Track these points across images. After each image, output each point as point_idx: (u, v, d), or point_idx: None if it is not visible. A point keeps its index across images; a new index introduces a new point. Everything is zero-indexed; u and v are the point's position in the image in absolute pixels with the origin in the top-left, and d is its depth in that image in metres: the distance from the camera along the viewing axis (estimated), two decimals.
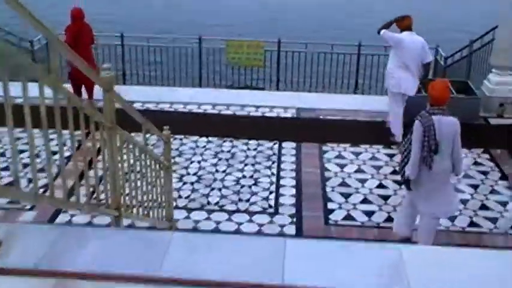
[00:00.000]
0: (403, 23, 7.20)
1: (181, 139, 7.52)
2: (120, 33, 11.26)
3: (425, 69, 7.39)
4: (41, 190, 2.72)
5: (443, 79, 4.93)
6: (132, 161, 4.09)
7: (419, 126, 4.57)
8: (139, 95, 8.94)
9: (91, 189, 3.54)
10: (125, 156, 3.88)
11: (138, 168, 4.24)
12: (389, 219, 5.86)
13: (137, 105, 8.46)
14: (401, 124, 7.29)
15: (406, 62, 7.15)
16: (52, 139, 2.77)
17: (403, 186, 5.41)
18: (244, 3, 21.65)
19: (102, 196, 3.65)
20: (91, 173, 3.58)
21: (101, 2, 21.28)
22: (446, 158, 4.64)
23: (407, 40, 7.11)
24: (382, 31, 7.16)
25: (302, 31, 16.92)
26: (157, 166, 4.88)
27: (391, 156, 7.13)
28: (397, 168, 6.76)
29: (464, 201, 6.20)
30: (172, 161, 6.70)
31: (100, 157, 4.21)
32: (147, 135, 5.15)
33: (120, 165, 3.69)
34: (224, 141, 7.49)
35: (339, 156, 7.15)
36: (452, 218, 5.86)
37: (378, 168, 6.89)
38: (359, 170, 6.82)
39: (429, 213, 4.85)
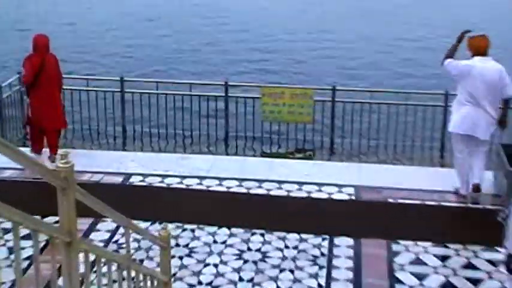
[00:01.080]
0: (474, 44, 7.50)
1: (193, 230, 7.28)
2: (120, 76, 11.45)
3: (505, 106, 7.70)
4: None
5: None
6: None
7: None
8: (140, 165, 8.98)
9: None
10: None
11: None
12: None
13: (136, 180, 8.53)
14: (468, 174, 7.74)
15: (476, 96, 7.41)
16: None
17: None
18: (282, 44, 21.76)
19: None
20: None
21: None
22: None
23: (479, 67, 7.36)
24: (446, 61, 7.56)
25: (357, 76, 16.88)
26: (150, 282, 4.59)
27: (494, 264, 6.59)
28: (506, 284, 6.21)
29: None
30: (179, 263, 6.57)
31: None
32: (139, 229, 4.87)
33: None
34: (253, 235, 7.21)
35: (417, 262, 6.72)
36: None
37: (477, 282, 6.40)
38: (448, 285, 6.38)
39: None
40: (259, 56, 19.82)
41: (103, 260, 3.75)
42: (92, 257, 3.63)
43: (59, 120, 9.00)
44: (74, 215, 3.22)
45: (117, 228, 7.13)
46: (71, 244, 3.20)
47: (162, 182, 8.44)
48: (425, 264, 6.68)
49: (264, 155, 10.82)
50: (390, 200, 7.99)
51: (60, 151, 3.27)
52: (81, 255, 3.41)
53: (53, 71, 8.76)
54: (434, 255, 6.83)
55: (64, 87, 10.62)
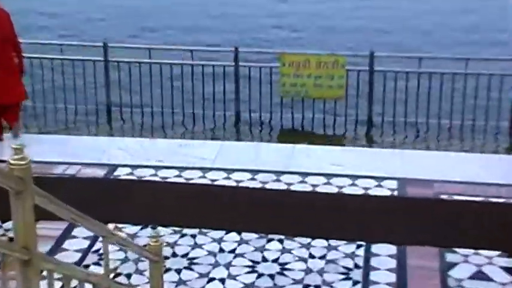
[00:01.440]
0: None
1: (193, 236, 7.26)
2: (103, 42, 11.57)
3: None
4: None
5: None
6: None
7: None
8: (128, 154, 9.03)
9: None
10: None
11: None
12: None
13: (123, 173, 8.55)
14: None
15: None
16: None
17: None
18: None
19: None
20: None
21: None
22: None
23: None
24: None
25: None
26: None
27: None
28: None
29: None
30: (176, 278, 6.57)
31: None
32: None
33: None
34: (269, 241, 7.19)
35: (479, 276, 6.62)
36: None
37: None
38: None
39: None
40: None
41: (74, 282, 3.69)
42: (58, 276, 3.58)
43: (17, 92, 8.91)
44: (32, 225, 3.20)
45: None
46: (29, 263, 3.17)
47: (155, 175, 8.43)
48: (490, 279, 6.58)
49: (281, 138, 10.85)
50: (443, 197, 7.95)
51: (14, 144, 3.17)
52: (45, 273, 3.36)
53: (5, 29, 8.69)
54: (502, 268, 6.72)
55: (33, 55, 10.59)
